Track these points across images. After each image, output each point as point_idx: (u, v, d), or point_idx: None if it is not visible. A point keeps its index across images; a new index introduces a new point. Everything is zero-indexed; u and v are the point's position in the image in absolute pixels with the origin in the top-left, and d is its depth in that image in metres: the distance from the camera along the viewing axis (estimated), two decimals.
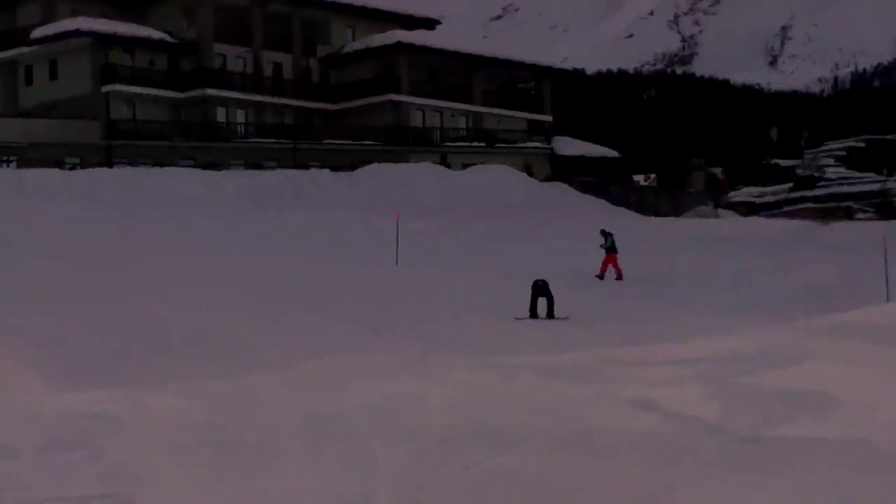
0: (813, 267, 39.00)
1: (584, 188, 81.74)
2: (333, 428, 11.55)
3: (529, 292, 29.19)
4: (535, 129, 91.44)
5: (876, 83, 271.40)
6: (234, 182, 66.36)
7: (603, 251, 39.54)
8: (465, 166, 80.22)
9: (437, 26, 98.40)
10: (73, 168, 68.64)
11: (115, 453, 10.70)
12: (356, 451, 10.30)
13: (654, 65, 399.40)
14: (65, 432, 11.85)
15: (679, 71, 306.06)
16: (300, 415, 12.42)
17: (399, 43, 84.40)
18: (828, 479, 8.14)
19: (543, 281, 29.11)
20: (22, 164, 67.93)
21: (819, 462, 8.67)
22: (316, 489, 8.88)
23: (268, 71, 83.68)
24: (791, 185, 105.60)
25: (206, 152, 75.02)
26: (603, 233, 40.04)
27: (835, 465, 8.53)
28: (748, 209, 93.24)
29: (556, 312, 28.86)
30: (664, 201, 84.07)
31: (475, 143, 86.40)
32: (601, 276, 39.01)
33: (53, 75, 79.77)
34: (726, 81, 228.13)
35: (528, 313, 28.84)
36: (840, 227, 62.18)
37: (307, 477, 9.43)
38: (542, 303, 29.12)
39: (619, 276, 39.02)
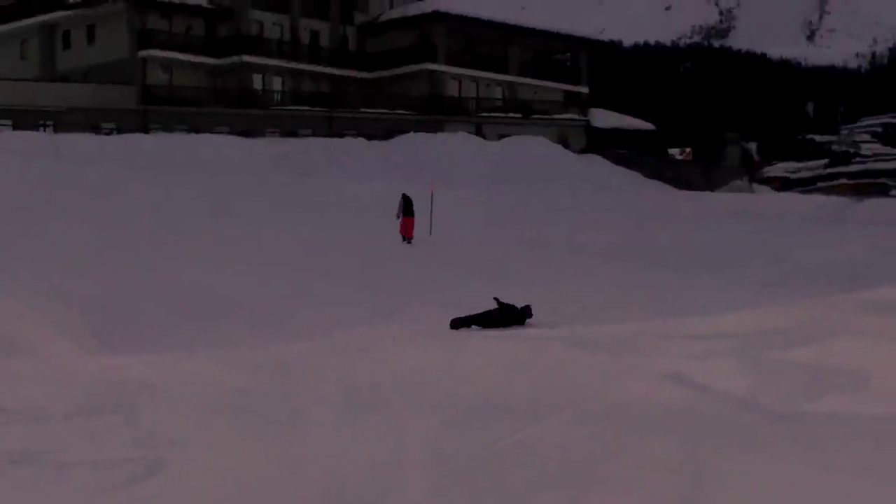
0: (847, 243, 38.80)
1: (619, 160, 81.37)
2: (364, 396, 11.60)
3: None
4: (570, 101, 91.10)
5: None
6: (269, 149, 66.42)
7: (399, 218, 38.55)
8: (500, 137, 79.88)
9: None
10: (108, 133, 68.82)
11: (150, 418, 10.78)
12: (387, 419, 10.34)
13: (692, 37, 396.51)
14: (99, 397, 11.95)
15: (716, 44, 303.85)
16: (332, 383, 12.49)
17: (436, 12, 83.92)
18: (860, 454, 8.13)
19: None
20: (58, 128, 68.16)
21: (851, 438, 8.66)
22: (347, 456, 8.93)
23: (305, 38, 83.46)
24: (826, 160, 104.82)
25: (242, 119, 75.05)
26: (403, 197, 38.63)
27: (867, 441, 8.51)
28: (783, 184, 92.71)
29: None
30: (698, 175, 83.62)
31: (511, 114, 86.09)
32: (409, 239, 37.68)
33: (91, 40, 79.83)
34: (763, 55, 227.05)
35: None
36: (875, 204, 61.86)
37: (338, 444, 9.48)
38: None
39: (406, 238, 37.78)
